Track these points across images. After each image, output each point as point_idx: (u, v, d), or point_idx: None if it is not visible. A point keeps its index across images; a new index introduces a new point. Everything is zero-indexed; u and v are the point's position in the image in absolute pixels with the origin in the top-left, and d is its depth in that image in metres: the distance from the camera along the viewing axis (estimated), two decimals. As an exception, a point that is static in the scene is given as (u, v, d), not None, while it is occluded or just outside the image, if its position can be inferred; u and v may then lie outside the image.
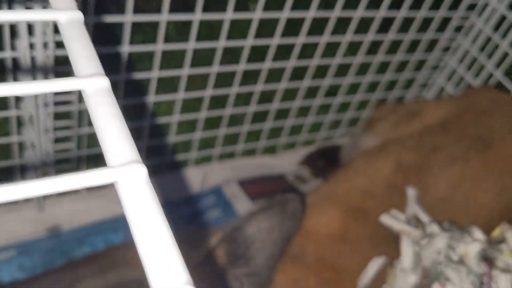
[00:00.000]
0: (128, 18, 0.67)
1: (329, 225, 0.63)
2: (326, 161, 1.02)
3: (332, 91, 1.05)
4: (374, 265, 0.59)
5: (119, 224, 0.80)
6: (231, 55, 0.92)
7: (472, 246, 0.56)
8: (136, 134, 0.83)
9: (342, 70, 0.97)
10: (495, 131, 0.75)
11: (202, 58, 0.90)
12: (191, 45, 0.74)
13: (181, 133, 0.91)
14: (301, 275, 0.56)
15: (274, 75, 0.95)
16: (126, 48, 0.71)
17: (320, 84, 0.96)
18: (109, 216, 0.82)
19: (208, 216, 0.86)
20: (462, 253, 0.56)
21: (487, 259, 0.55)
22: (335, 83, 0.97)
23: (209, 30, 0.93)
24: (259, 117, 0.99)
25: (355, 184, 0.70)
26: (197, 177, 0.91)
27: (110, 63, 0.65)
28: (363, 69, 0.99)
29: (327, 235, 0.62)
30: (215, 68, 0.80)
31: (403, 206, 0.65)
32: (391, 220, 0.61)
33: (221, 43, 0.77)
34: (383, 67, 1.02)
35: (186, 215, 0.85)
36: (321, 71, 0.95)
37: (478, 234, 0.60)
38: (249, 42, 0.79)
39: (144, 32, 1.00)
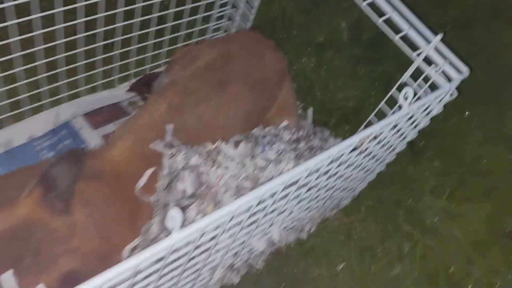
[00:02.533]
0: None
1: (123, 153, 1.01)
2: (148, 87, 1.36)
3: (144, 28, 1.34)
4: (147, 173, 0.99)
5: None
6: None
7: (194, 156, 0.97)
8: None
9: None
10: (232, 75, 1.13)
11: None
12: None
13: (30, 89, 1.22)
14: (100, 187, 0.95)
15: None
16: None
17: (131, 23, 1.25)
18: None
19: (62, 146, 1.22)
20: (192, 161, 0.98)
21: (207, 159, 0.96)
22: (143, 23, 1.28)
23: None
24: (90, 57, 1.28)
25: (144, 120, 1.07)
26: (50, 118, 1.25)
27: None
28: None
29: (123, 161, 1.00)
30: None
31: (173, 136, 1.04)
32: (156, 145, 1.01)
33: None
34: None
35: (46, 147, 1.20)
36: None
37: (208, 145, 1.01)
38: None
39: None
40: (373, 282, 1.25)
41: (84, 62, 1.23)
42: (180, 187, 0.96)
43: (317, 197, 1.00)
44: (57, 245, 0.82)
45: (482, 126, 1.70)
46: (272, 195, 0.74)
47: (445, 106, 0.99)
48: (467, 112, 1.70)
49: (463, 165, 1.58)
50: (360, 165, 1.01)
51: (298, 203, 0.90)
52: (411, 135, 1.08)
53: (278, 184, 0.70)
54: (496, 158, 1.63)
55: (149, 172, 1.00)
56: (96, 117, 1.30)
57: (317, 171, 0.79)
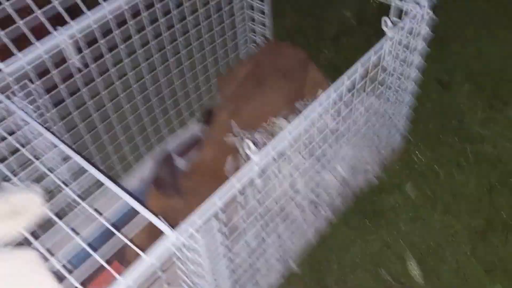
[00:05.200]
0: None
1: (208, 153, 1.36)
2: (211, 113, 1.72)
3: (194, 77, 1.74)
4: (228, 159, 1.31)
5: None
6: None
7: (256, 134, 1.30)
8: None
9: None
10: (265, 73, 1.47)
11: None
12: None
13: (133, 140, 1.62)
14: (199, 177, 1.29)
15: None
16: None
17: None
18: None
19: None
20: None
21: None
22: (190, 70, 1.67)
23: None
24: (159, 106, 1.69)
25: (215, 128, 1.43)
26: (149, 162, 1.64)
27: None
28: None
29: (210, 158, 1.35)
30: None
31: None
32: (228, 138, 1.34)
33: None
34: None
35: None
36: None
37: (265, 125, 1.34)
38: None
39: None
40: (442, 192, 1.48)
41: (158, 110, 1.62)
42: (255, 158, 1.28)
43: (360, 131, 1.28)
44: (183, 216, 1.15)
45: (501, 43, 1.92)
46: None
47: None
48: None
49: (493, 77, 1.79)
50: (381, 94, 1.29)
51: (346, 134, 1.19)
52: (415, 60, 1.34)
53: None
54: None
55: (229, 158, 1.33)
56: (181, 149, 1.68)
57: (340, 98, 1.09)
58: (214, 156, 1.36)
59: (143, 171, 1.62)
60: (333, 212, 1.42)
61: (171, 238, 0.80)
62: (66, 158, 1.09)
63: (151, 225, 0.86)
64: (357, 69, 1.08)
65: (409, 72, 1.36)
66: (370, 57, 1.11)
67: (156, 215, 0.85)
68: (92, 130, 1.46)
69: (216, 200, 0.88)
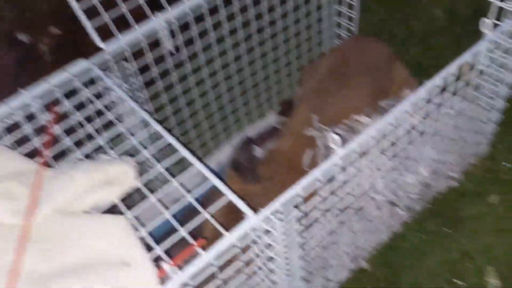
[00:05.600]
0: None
1: (287, 144, 1.37)
2: (291, 107, 1.73)
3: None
4: (308, 153, 1.32)
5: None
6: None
7: (338, 130, 1.28)
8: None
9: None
10: (349, 69, 1.45)
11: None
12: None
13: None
14: (275, 167, 1.29)
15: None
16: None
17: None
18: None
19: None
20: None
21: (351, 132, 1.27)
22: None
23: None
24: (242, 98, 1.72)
25: (295, 121, 1.43)
26: (228, 149, 1.67)
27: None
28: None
29: (289, 148, 1.36)
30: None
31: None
32: (309, 132, 1.34)
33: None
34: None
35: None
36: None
37: (346, 121, 1.32)
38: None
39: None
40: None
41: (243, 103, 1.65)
42: (335, 153, 1.27)
43: (447, 135, 1.24)
44: (258, 201, 1.17)
45: None
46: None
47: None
48: None
49: None
50: (473, 99, 1.24)
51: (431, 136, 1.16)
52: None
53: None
54: None
55: (308, 151, 1.33)
56: (259, 139, 1.69)
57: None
58: (291, 147, 1.37)
59: (221, 156, 1.66)
60: (410, 213, 1.39)
61: (252, 220, 0.81)
62: (156, 136, 1.13)
63: (227, 207, 0.88)
64: (451, 70, 1.04)
65: (506, 77, 1.29)
66: (466, 58, 1.07)
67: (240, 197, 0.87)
68: (177, 112, 1.51)
69: (298, 190, 0.88)
